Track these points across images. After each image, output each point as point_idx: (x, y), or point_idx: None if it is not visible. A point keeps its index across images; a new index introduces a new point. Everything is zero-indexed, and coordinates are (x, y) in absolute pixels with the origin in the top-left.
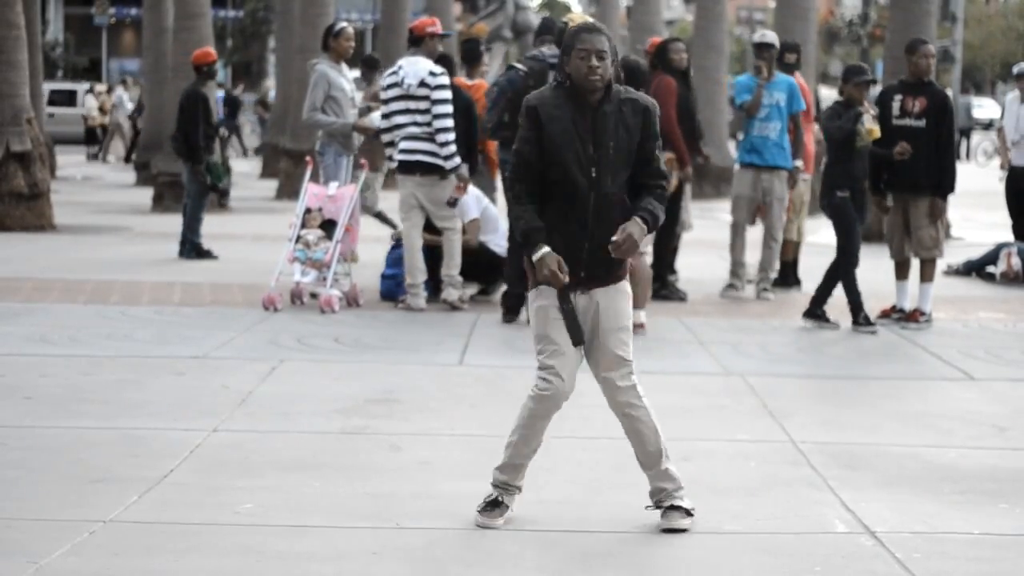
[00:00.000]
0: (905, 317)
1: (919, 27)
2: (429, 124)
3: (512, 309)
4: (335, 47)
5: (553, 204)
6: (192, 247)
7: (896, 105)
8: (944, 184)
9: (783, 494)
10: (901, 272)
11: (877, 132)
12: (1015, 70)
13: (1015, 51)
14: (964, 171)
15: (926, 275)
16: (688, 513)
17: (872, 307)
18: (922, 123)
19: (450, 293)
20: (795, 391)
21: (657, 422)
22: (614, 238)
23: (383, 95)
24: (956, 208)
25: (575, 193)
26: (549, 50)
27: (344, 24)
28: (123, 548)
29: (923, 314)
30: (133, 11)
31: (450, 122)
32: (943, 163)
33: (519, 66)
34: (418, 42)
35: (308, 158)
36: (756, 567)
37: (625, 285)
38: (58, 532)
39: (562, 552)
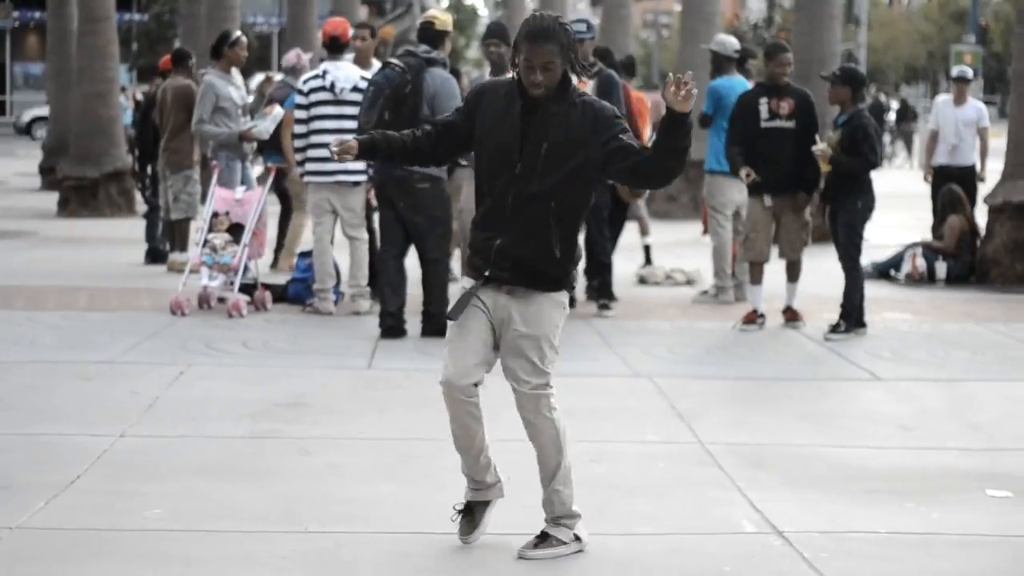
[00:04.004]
0: (792, 317)
1: (823, 30)
2: (355, 131)
3: (391, 330)
4: (229, 55)
5: (483, 197)
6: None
7: (764, 108)
8: (809, 180)
9: (692, 495)
10: (758, 275)
11: (826, 168)
12: (955, 72)
13: (919, 54)
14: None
15: (794, 275)
16: (550, 542)
17: (810, 310)
18: (791, 124)
19: (360, 304)
20: (703, 392)
21: (563, 439)
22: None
23: (303, 99)
24: None
25: (496, 187)
26: (423, 47)
27: (239, 34)
28: (29, 555)
29: (796, 312)
30: (37, 14)
31: None
32: (810, 160)
33: (396, 63)
34: (341, 49)
35: (214, 162)
36: (665, 567)
37: (559, 296)
38: None
39: (470, 555)
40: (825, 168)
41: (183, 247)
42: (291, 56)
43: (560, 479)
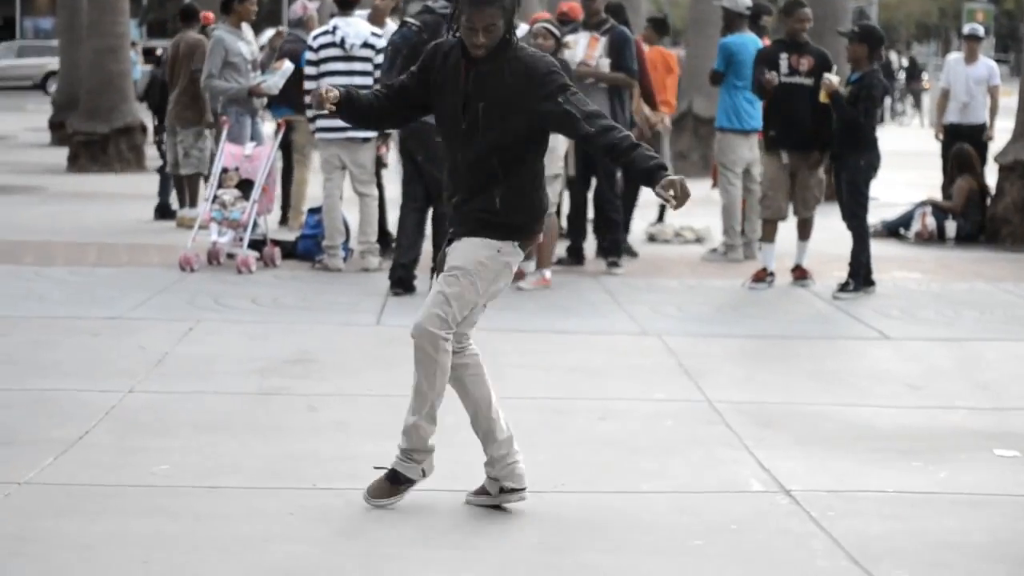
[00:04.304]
0: (801, 276)
1: None
2: (364, 88)
3: (400, 282)
4: (239, 10)
5: (446, 159)
6: None
7: (784, 63)
8: (825, 138)
9: (699, 453)
10: (771, 233)
11: (824, 100)
12: (966, 30)
13: (931, 11)
14: (880, 131)
15: (806, 233)
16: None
17: (819, 269)
18: (810, 81)
19: (370, 261)
20: (711, 351)
21: (443, 378)
22: (664, 189)
23: (313, 55)
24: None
25: (450, 148)
26: (440, 2)
27: None
28: (39, 510)
29: (805, 271)
30: None
31: None
32: (827, 118)
33: (412, 21)
34: (352, 5)
35: (224, 117)
36: (672, 526)
37: (495, 242)
38: None
39: (475, 510)
40: (823, 99)
41: (192, 203)
42: (297, 8)
43: (427, 415)
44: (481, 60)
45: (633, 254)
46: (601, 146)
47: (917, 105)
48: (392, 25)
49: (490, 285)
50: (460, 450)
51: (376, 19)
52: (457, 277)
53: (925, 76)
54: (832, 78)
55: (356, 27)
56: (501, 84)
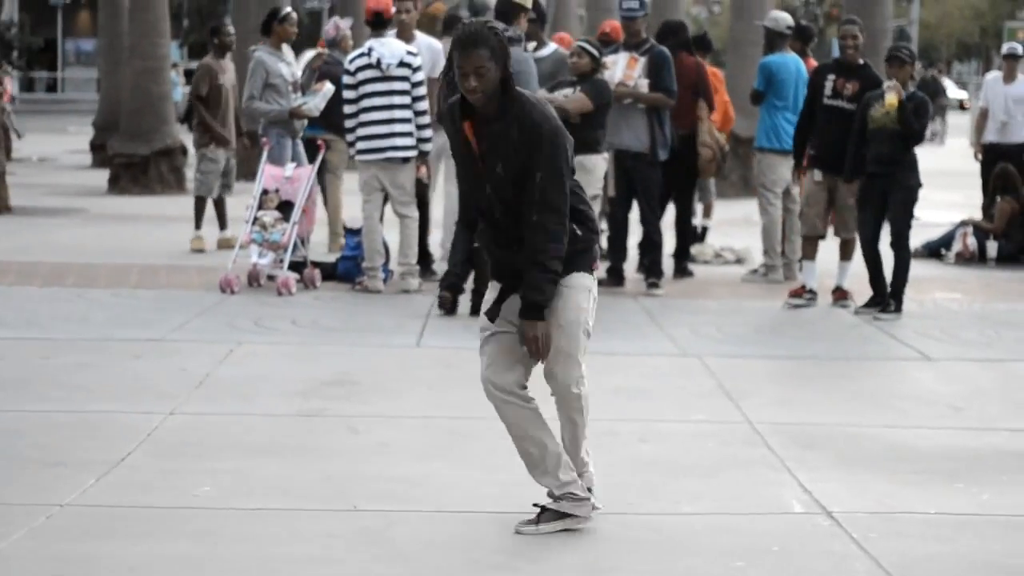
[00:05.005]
0: (841, 297)
1: (874, 5)
2: (403, 107)
3: (451, 287)
4: (279, 32)
5: (473, 212)
6: None
7: (828, 85)
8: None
9: (740, 474)
10: (811, 250)
11: (893, 103)
12: (1005, 49)
13: (971, 30)
14: (920, 151)
15: (847, 254)
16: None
17: (858, 290)
18: (852, 107)
19: (410, 283)
20: (752, 372)
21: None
22: (525, 331)
23: (351, 79)
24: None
25: (483, 208)
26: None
27: (289, 9)
28: (80, 532)
29: (845, 292)
30: None
31: (427, 104)
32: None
33: None
34: (385, 24)
35: (265, 139)
36: (713, 547)
37: (576, 278)
38: (14, 516)
39: (520, 535)
40: (890, 103)
41: (197, 225)
42: (330, 29)
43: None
44: (491, 119)
45: (689, 274)
46: (525, 236)
47: (942, 122)
48: (422, 37)
49: (592, 320)
50: (507, 473)
51: (403, 34)
52: (570, 334)
53: (965, 95)
54: (892, 84)
55: (390, 47)
56: (510, 143)
